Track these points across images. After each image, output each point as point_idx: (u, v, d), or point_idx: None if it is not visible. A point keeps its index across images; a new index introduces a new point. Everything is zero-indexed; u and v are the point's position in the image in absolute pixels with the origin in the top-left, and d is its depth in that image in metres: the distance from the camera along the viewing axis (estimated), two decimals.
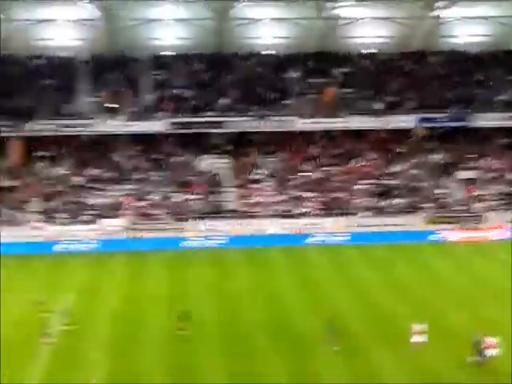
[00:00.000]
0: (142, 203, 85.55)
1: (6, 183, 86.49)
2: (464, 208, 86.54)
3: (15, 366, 46.17)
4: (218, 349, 49.41)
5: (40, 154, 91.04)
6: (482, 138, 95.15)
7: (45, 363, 46.98)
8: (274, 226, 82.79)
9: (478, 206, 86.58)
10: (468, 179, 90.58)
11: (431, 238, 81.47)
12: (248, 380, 44.15)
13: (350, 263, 72.78)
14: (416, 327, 47.90)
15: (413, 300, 59.67)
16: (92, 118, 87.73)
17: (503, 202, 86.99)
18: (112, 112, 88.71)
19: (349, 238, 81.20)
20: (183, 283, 66.15)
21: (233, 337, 51.85)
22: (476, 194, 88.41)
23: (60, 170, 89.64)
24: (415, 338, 47.62)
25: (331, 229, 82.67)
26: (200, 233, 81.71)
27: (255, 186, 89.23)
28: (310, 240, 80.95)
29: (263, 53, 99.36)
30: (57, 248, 78.57)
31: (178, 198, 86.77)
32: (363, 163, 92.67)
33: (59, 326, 52.37)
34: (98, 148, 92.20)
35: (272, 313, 57.17)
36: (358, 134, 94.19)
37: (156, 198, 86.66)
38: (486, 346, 44.89)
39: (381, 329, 52.48)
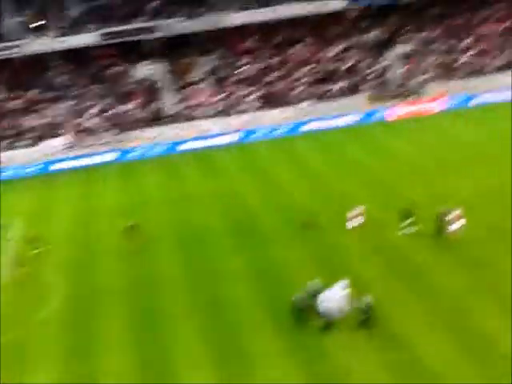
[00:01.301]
0: (83, 119, 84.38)
1: None
2: (405, 82, 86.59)
3: None
4: (175, 255, 49.74)
5: None
6: (415, 11, 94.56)
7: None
8: (217, 126, 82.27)
9: (418, 78, 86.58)
10: (406, 53, 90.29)
11: (375, 116, 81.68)
12: (209, 277, 44.77)
13: (301, 153, 73.00)
14: (351, 213, 48.04)
15: (369, 179, 60.20)
16: (20, 39, 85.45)
17: (442, 71, 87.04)
18: (39, 30, 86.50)
19: (293, 127, 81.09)
20: (135, 194, 66.05)
21: (189, 241, 52.16)
22: (415, 66, 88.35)
23: None
24: (352, 223, 47.85)
25: (275, 121, 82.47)
26: (145, 141, 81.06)
27: (195, 87, 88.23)
28: (255, 135, 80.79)
29: None
30: (1, 175, 77.66)
31: (119, 109, 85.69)
32: (300, 51, 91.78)
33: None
34: (32, 69, 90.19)
35: (228, 212, 57.44)
36: (293, 22, 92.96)
37: (96, 111, 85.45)
38: (451, 218, 45.35)
39: (338, 211, 52.75)
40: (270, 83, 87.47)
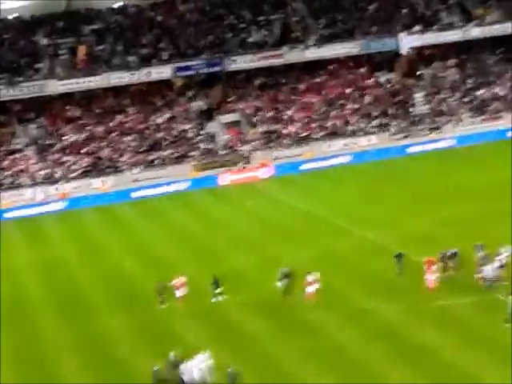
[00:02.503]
0: None
1: None
2: (230, 151, 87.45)
3: None
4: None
5: None
6: (240, 81, 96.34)
7: None
8: (40, 194, 79.89)
9: (244, 147, 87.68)
10: (231, 122, 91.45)
11: (202, 184, 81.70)
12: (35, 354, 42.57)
13: (126, 220, 71.98)
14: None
15: (194, 246, 59.60)
16: None
17: (266, 141, 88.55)
18: None
19: (120, 194, 79.93)
20: None
21: (10, 316, 49.41)
22: (241, 135, 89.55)
23: None
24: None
25: (100, 189, 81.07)
26: None
27: (16, 155, 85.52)
28: (81, 203, 78.97)
29: (9, 17, 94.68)
30: None
31: None
32: (126, 119, 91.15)
33: None
34: None
35: (53, 282, 55.31)
36: (118, 90, 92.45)
37: None
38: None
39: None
40: (94, 151, 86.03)
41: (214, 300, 46.60)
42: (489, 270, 43.22)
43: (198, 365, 34.60)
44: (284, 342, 40.06)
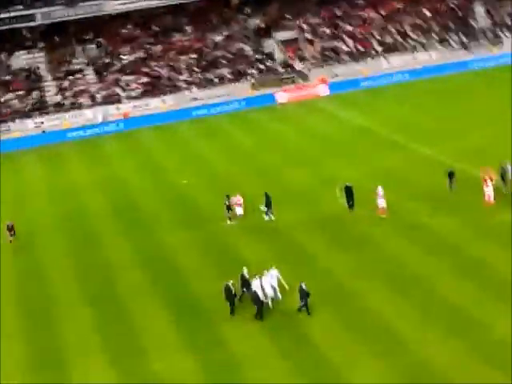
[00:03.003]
0: None
1: None
2: (288, 68, 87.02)
3: None
4: (64, 245, 48.42)
5: None
6: None
7: None
8: (100, 114, 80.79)
9: (301, 64, 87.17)
10: (288, 39, 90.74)
11: (260, 102, 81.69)
12: (99, 266, 43.92)
13: (186, 139, 72.44)
14: (234, 199, 47.39)
15: (253, 164, 60.00)
16: None
17: (325, 58, 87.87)
18: None
19: (179, 114, 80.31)
20: (19, 185, 64.23)
21: (77, 230, 50.82)
22: (297, 52, 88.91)
23: None
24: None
25: (159, 108, 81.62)
26: (28, 131, 78.76)
27: (76, 76, 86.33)
28: (140, 122, 79.63)
29: None
30: None
31: None
32: (184, 37, 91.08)
33: None
34: None
35: (116, 199, 56.37)
36: (175, 9, 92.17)
37: None
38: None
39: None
40: (154, 71, 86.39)
41: (267, 218, 46.79)
42: None
43: (269, 281, 34.97)
44: (340, 255, 40.60)
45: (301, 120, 73.37)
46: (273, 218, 46.70)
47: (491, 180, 43.97)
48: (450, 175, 46.69)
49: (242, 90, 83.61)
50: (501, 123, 58.30)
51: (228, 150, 65.93)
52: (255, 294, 34.47)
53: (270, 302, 35.10)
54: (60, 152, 73.61)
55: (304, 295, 34.09)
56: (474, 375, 28.09)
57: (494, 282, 35.12)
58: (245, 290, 35.69)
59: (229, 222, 47.17)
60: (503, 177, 45.19)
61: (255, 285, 34.75)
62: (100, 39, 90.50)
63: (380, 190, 44.81)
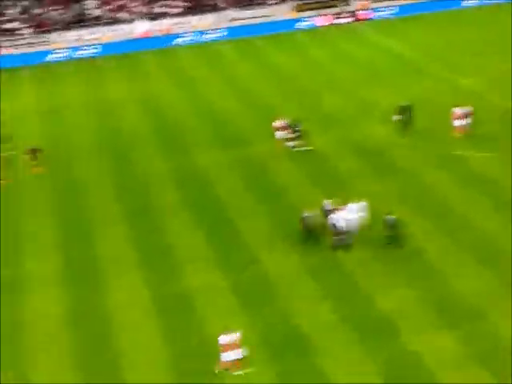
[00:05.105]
0: (2, 18, 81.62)
1: None
2: None
3: None
4: (101, 160, 49.13)
5: None
6: None
7: None
8: (140, 29, 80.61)
9: None
10: None
11: (301, 25, 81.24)
12: (138, 183, 44.54)
13: (227, 58, 72.36)
14: (458, 110, 46.30)
15: (293, 87, 60.01)
16: None
17: None
18: None
19: (221, 34, 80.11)
20: (57, 97, 64.70)
21: (116, 146, 51.50)
22: None
23: None
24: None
25: (200, 27, 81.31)
26: (67, 44, 79.00)
27: None
28: (178, 40, 79.69)
29: None
30: None
31: (40, 10, 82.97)
32: None
33: None
34: None
35: (154, 116, 56.84)
36: None
37: (16, 11, 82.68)
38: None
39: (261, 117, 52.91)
40: None
41: (290, 144, 46.59)
42: None
43: (347, 215, 34.59)
44: (380, 182, 41.04)
45: (340, 45, 72.93)
46: (299, 147, 46.47)
47: None
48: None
49: (285, 12, 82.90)
50: None
51: (267, 72, 65.80)
52: (334, 225, 34.37)
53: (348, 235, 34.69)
54: (98, 66, 73.88)
55: (392, 227, 33.92)
56: None
57: None
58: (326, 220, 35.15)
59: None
60: None
61: (335, 216, 34.55)
62: None
63: (457, 111, 44.99)
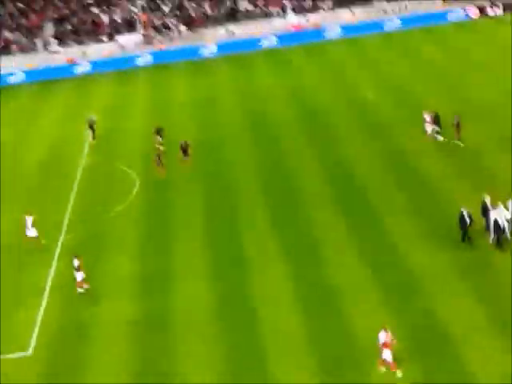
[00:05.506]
0: (156, 15, 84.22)
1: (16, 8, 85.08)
2: None
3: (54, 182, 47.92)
4: (248, 149, 50.50)
5: None
6: None
7: None
8: (291, 22, 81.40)
9: None
10: None
11: (451, 17, 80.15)
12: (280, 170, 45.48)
13: (373, 52, 72.31)
14: (426, 114, 47.63)
15: (442, 81, 59.45)
16: None
17: None
18: None
19: (364, 27, 79.84)
20: (210, 89, 66.75)
21: (263, 134, 52.85)
22: None
23: None
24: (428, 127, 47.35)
25: (348, 20, 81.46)
26: (219, 38, 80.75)
27: None
28: (328, 34, 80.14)
29: None
30: (78, 70, 78.46)
31: (192, 6, 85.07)
32: None
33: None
34: None
35: (301, 107, 57.84)
36: None
37: (169, 8, 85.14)
38: None
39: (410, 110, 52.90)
40: None
41: (439, 138, 46.70)
42: None
43: (505, 213, 34.23)
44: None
45: (492, 37, 71.23)
46: (441, 138, 46.58)
47: None
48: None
49: (433, 3, 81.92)
50: None
51: (415, 64, 65.34)
52: (495, 223, 33.93)
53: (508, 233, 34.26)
54: (250, 60, 75.32)
55: None
56: None
57: None
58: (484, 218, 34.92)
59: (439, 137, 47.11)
60: None
61: (495, 213, 34.13)
62: None
63: None
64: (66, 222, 42.52)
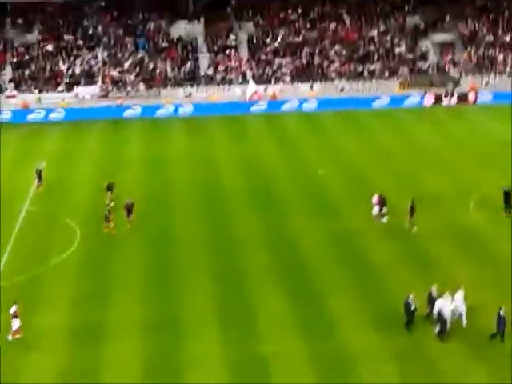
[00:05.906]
0: (116, 70, 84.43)
1: None
2: (440, 71, 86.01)
3: None
4: (195, 213, 50.14)
5: (11, 20, 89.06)
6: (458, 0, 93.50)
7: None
8: (248, 92, 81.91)
9: (455, 69, 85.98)
10: (445, 42, 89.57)
11: (407, 102, 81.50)
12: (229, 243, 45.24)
13: (328, 129, 72.87)
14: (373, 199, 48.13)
15: (392, 165, 60.05)
16: None
17: (479, 65, 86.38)
18: None
19: (323, 103, 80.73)
20: (160, 149, 66.52)
21: (211, 200, 52.72)
22: (452, 56, 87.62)
23: (32, 37, 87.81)
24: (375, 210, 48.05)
25: (306, 94, 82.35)
26: (177, 100, 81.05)
27: (230, 51, 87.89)
28: (285, 106, 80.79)
29: None
30: (31, 117, 78.03)
31: (153, 64, 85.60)
32: (340, 27, 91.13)
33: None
34: (70, 15, 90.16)
35: (251, 178, 57.87)
36: None
37: (130, 64, 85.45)
38: None
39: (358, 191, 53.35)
40: (305, 56, 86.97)
41: (383, 220, 47.27)
42: None
43: (449, 304, 34.30)
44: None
45: (445, 126, 72.62)
46: (385, 220, 47.26)
47: None
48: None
49: (390, 87, 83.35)
50: None
51: (368, 146, 65.89)
52: (439, 313, 34.02)
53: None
54: (201, 124, 75.38)
55: (502, 323, 33.40)
56: None
57: None
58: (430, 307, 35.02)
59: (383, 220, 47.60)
60: None
61: (440, 304, 34.21)
62: (258, 18, 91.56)
63: None
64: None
